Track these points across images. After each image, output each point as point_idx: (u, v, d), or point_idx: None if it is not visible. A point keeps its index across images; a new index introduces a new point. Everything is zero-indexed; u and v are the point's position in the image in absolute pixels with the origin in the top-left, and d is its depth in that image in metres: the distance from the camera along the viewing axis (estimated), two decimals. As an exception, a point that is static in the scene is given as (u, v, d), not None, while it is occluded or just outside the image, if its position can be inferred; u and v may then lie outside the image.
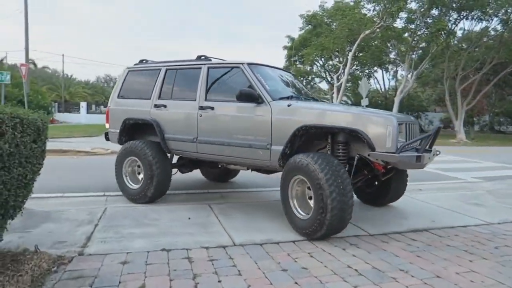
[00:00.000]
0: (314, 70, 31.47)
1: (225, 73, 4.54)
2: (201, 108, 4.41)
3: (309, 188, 3.54)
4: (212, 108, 4.32)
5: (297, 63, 32.49)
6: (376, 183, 4.66)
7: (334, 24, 23.50)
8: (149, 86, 5.00)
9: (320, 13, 24.95)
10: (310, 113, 3.72)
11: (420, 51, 19.95)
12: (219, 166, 5.34)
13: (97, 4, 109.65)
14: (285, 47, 32.02)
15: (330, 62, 28.80)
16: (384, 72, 32.09)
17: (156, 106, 4.82)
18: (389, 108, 27.31)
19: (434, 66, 22.32)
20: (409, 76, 20.03)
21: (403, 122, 3.60)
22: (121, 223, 3.99)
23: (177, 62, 4.96)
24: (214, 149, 4.31)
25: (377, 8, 18.16)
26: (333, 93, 33.34)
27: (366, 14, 19.14)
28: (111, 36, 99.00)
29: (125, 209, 4.57)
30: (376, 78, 31.72)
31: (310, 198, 3.58)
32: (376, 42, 22.66)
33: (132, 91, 5.24)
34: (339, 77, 23.61)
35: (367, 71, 28.20)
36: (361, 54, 23.66)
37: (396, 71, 32.28)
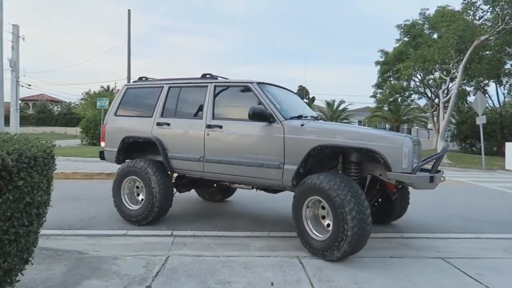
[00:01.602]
0: (412, 86, 28.45)
1: (233, 92, 4.54)
2: (209, 126, 4.35)
3: (322, 207, 3.65)
4: (220, 127, 4.28)
5: (391, 79, 29.92)
6: (380, 201, 4.70)
7: (437, 33, 20.83)
8: (150, 104, 4.94)
9: (420, 22, 22.42)
10: (325, 133, 3.76)
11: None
12: (215, 185, 5.29)
13: (187, 37, 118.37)
14: (377, 62, 29.77)
15: (431, 76, 25.68)
16: (497, 85, 27.63)
17: (158, 124, 4.75)
18: (508, 127, 23.27)
19: None
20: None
21: (417, 143, 3.71)
22: (180, 284, 2.93)
23: (181, 80, 4.91)
24: (222, 168, 4.26)
25: (496, 9, 15.28)
26: (434, 110, 29.87)
27: (481, 17, 16.31)
28: (200, 65, 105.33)
29: (191, 260, 3.53)
30: (487, 93, 27.20)
31: (323, 218, 3.69)
32: (490, 52, 19.34)
33: (131, 109, 5.17)
34: (445, 91, 20.59)
35: (474, 84, 24.34)
36: (470, 65, 20.37)
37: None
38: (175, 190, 5.01)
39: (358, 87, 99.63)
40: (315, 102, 48.53)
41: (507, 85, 28.37)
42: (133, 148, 5.05)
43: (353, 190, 3.37)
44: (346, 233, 3.28)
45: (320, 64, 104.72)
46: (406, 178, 3.43)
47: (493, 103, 29.09)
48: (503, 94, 29.70)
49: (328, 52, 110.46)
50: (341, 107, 38.60)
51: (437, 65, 21.33)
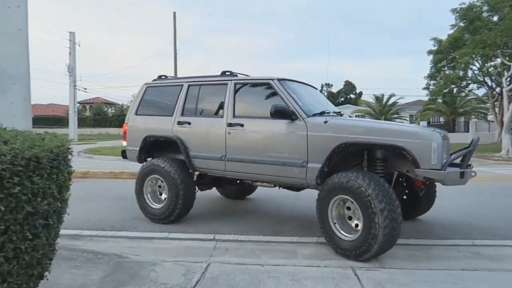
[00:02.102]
0: (469, 75, 26.33)
1: (254, 89, 4.45)
2: (230, 125, 4.30)
3: (348, 208, 3.58)
4: (242, 125, 4.22)
5: (445, 68, 27.91)
6: (405, 197, 4.56)
7: (498, 14, 18.99)
8: (171, 103, 4.91)
9: (478, 3, 20.57)
10: (350, 130, 3.65)
11: None
12: (237, 182, 5.16)
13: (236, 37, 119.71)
14: (430, 52, 27.87)
15: (492, 63, 23.55)
16: None
17: (179, 123, 4.72)
18: None
19: None
20: None
21: (445, 138, 3.55)
22: (222, 298, 2.66)
23: (200, 78, 4.85)
24: (244, 167, 4.20)
25: None
26: (495, 100, 27.44)
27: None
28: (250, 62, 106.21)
29: (233, 268, 3.25)
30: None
31: (350, 218, 3.60)
32: None
33: (151, 108, 5.15)
34: (508, 79, 18.73)
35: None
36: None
37: None
38: (196, 188, 4.96)
39: (409, 81, 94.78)
40: (363, 97, 46.93)
41: None
42: (154, 147, 5.04)
43: (383, 189, 3.29)
44: (377, 234, 3.20)
45: (367, 57, 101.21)
46: (435, 175, 3.31)
47: None
48: None
49: (375, 45, 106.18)
50: (390, 101, 36.76)
51: (499, 50, 19.47)
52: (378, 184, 3.31)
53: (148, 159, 5.06)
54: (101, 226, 4.59)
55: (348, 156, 3.88)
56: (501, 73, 23.79)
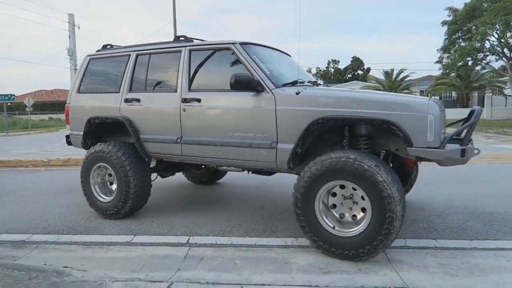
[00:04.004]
0: (487, 46, 24.75)
1: (213, 57, 3.69)
2: (185, 100, 3.62)
3: (345, 197, 2.91)
4: (199, 100, 3.56)
5: (460, 40, 26.33)
6: None
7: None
8: (117, 77, 4.16)
9: (499, -33, 18.95)
10: (328, 102, 3.02)
11: None
12: (203, 166, 4.69)
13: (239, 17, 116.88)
14: (444, 23, 26.27)
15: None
16: None
17: (127, 100, 3.99)
18: None
19: None
20: None
21: (442, 109, 2.92)
22: None
23: (150, 45, 4.07)
24: (204, 150, 3.59)
25: None
26: (514, 72, 25.87)
27: None
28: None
29: (201, 290, 2.38)
30: None
31: (351, 209, 2.91)
32: None
33: (96, 84, 4.38)
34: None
35: None
36: None
37: None
38: (156, 175, 4.42)
39: (419, 56, 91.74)
40: (372, 73, 45.33)
41: None
42: (102, 130, 4.33)
43: (393, 174, 2.75)
44: (392, 228, 2.62)
45: (376, 33, 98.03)
46: (432, 154, 2.69)
47: None
48: None
49: (385, 20, 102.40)
50: (400, 76, 35.25)
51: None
52: (387, 167, 2.77)
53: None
54: (58, 228, 3.79)
55: (325, 133, 3.27)
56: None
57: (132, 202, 3.90)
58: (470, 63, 27.86)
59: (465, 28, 24.99)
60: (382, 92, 3.41)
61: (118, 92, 4.07)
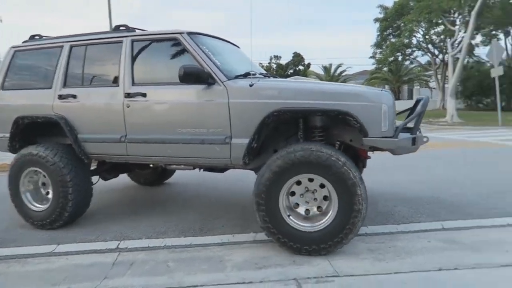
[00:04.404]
0: (414, 42, 26.63)
1: (158, 48, 3.50)
2: (128, 95, 3.36)
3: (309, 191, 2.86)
4: (144, 95, 3.32)
5: (391, 36, 28.06)
6: None
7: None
8: (48, 71, 3.77)
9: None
10: (282, 94, 2.95)
11: None
12: (149, 166, 4.50)
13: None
14: (376, 20, 27.81)
15: (436, 30, 23.84)
16: (505, 37, 25.83)
17: (61, 97, 3.63)
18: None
19: None
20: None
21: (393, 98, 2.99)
22: None
23: (86, 36, 3.71)
24: (151, 149, 3.35)
25: None
26: (437, 67, 28.14)
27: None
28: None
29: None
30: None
31: (298, 205, 2.89)
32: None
33: (23, 80, 3.93)
34: (454, 44, 18.85)
35: (485, 33, 22.56)
36: (480, 14, 18.52)
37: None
38: (97, 179, 4.05)
39: (358, 51, 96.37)
40: (312, 68, 46.68)
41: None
42: (34, 130, 3.88)
43: (355, 166, 2.74)
44: (357, 220, 2.65)
45: (316, 28, 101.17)
46: (387, 143, 2.76)
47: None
48: (511, 45, 27.99)
49: (326, 16, 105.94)
50: (338, 71, 36.81)
51: (442, 18, 19.52)
52: (350, 161, 2.74)
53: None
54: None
55: (280, 126, 3.15)
56: (443, 40, 24.21)
57: (72, 210, 3.53)
58: (400, 58, 29.81)
59: (395, 25, 26.66)
60: (336, 83, 3.48)
61: (50, 88, 3.67)
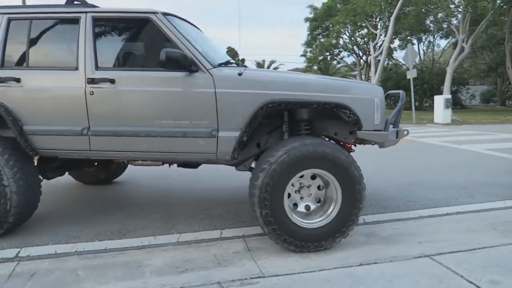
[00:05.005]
0: (341, 43, 28.06)
1: (126, 28, 3.17)
2: (92, 81, 2.93)
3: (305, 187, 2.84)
4: (112, 81, 2.91)
5: (320, 36, 29.26)
6: None
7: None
8: None
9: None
10: (275, 85, 2.82)
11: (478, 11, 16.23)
12: (96, 163, 4.21)
13: None
14: (307, 19, 28.77)
15: (361, 32, 25.35)
16: (418, 42, 28.50)
17: None
18: (432, 82, 23.96)
19: (493, 24, 18.59)
20: (464, 40, 16.42)
21: None
22: None
23: (28, 8, 3.23)
24: (122, 143, 2.95)
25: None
26: (361, 68, 30.04)
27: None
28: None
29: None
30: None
31: (320, 201, 2.86)
32: (413, 7, 19.12)
33: None
34: (376, 46, 20.20)
35: (402, 38, 24.58)
36: (398, 20, 20.11)
37: (433, 40, 28.66)
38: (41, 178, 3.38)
39: (292, 48, 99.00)
40: (246, 63, 46.94)
41: (426, 42, 29.52)
42: None
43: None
44: (354, 217, 2.72)
45: (251, 24, 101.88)
46: (379, 137, 2.85)
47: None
48: (423, 50, 30.95)
49: (261, 13, 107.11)
50: (271, 67, 37.48)
51: (366, 21, 20.82)
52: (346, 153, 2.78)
53: None
54: None
55: (264, 119, 2.97)
56: (367, 43, 25.85)
57: (17, 214, 2.98)
58: (328, 57, 31.22)
59: (324, 25, 27.80)
60: (326, 76, 3.61)
61: None
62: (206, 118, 2.83)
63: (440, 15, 18.44)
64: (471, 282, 2.22)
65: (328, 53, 29.17)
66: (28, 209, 3.13)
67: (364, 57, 29.25)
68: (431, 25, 23.72)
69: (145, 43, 3.15)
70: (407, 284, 2.21)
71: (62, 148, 3.06)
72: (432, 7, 18.04)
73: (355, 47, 28.89)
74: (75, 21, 3.03)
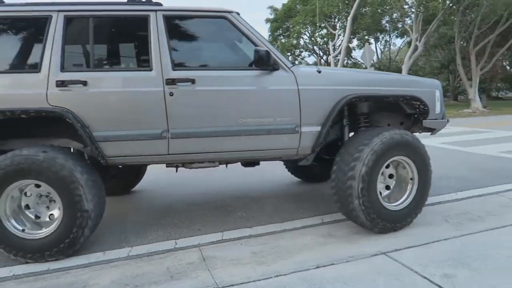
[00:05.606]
0: (301, 43, 28.47)
1: (199, 27, 3.09)
2: (171, 82, 2.77)
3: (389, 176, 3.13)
4: (193, 81, 2.79)
5: (281, 37, 29.53)
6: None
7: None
8: (29, 49, 2.86)
9: (307, -26, 21.85)
10: (354, 81, 3.08)
11: (430, 11, 16.97)
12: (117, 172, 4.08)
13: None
14: (267, 20, 28.90)
15: (320, 33, 25.84)
16: (375, 42, 29.49)
17: (61, 84, 2.68)
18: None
19: (444, 24, 19.52)
20: (417, 39, 17.12)
21: None
22: None
23: (88, 6, 2.85)
24: (204, 144, 2.87)
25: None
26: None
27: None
28: None
29: None
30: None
31: (388, 188, 3.16)
32: (369, 8, 19.78)
33: None
34: (335, 46, 20.64)
35: (356, 42, 25.36)
36: (356, 20, 20.71)
37: (389, 39, 29.77)
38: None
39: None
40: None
41: (383, 41, 30.60)
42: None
43: None
44: (426, 197, 3.12)
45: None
46: (440, 124, 3.38)
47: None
48: (380, 49, 32.03)
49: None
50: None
51: (325, 21, 21.23)
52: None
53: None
54: None
55: None
56: (326, 43, 26.39)
57: (92, 226, 2.74)
58: (290, 58, 31.55)
59: (285, 26, 28.08)
60: (393, 73, 4.04)
61: (38, 71, 2.70)
62: (289, 114, 2.92)
63: (395, 15, 19.15)
64: (425, 278, 2.23)
65: (289, 54, 29.47)
66: (99, 220, 2.91)
67: (324, 57, 29.83)
68: (387, 25, 24.65)
69: (219, 42, 3.20)
70: (363, 284, 2.19)
71: (136, 154, 2.85)
72: (387, 7, 18.71)
73: (315, 47, 29.40)
74: (144, 19, 2.86)
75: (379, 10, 19.46)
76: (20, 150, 2.58)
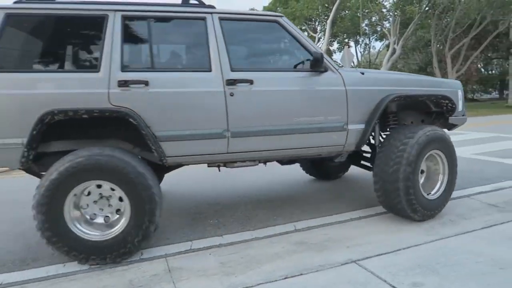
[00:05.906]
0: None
1: (252, 30, 3.19)
2: (233, 82, 2.87)
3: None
4: (251, 82, 2.92)
5: (263, 39, 29.60)
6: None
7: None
8: (86, 48, 2.85)
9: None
10: (397, 82, 3.42)
11: (407, 14, 17.31)
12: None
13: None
14: (248, 22, 28.94)
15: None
16: (355, 44, 29.91)
17: (123, 84, 2.66)
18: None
19: (421, 27, 19.92)
20: (395, 42, 17.41)
21: None
22: None
23: (144, 6, 2.86)
24: (262, 142, 2.99)
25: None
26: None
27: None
28: None
29: None
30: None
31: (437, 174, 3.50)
32: (348, 11, 20.02)
33: (29, 57, 2.70)
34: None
35: (340, 41, 25.63)
36: (335, 23, 20.94)
37: (369, 43, 30.22)
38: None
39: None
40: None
41: (362, 44, 31.05)
42: (51, 132, 2.68)
43: None
44: (453, 185, 3.48)
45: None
46: (462, 120, 3.81)
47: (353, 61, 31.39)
48: (360, 52, 32.51)
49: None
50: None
51: (305, 24, 21.37)
52: None
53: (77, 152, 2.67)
54: None
55: None
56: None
57: (153, 230, 2.75)
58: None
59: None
60: (421, 75, 4.46)
61: (97, 70, 2.63)
62: (338, 113, 3.15)
63: (374, 18, 19.43)
64: (394, 287, 2.19)
65: (271, 56, 29.58)
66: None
67: (306, 59, 30.03)
68: (366, 28, 25.04)
69: (271, 44, 3.37)
70: (331, 295, 2.13)
71: (197, 153, 2.90)
72: (366, 11, 18.95)
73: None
74: (201, 22, 2.93)
75: (358, 14, 19.71)
76: (88, 150, 2.57)
